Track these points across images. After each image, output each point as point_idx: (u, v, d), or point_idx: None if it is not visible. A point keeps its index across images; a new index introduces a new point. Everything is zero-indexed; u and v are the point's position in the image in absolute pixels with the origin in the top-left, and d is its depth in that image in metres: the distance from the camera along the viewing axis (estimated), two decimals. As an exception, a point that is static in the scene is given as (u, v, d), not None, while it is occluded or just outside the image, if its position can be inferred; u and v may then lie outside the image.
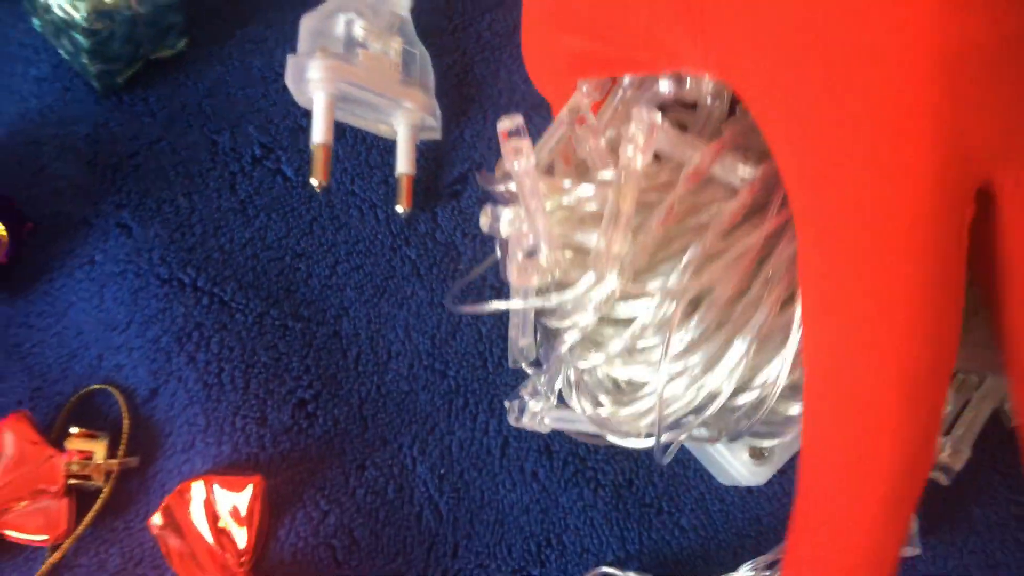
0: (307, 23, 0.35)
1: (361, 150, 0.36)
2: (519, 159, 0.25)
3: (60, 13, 0.32)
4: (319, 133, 0.33)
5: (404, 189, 0.34)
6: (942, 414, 0.21)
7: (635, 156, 0.23)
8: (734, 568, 0.31)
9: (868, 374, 0.20)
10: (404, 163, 0.35)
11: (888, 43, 0.19)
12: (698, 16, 0.23)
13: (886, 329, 0.20)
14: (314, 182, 0.33)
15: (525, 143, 0.25)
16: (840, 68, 0.20)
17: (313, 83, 0.33)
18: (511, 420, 0.29)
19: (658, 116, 0.23)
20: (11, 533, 0.30)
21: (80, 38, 0.33)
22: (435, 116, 0.35)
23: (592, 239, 0.24)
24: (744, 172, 0.24)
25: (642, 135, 0.23)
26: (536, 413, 0.29)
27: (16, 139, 0.35)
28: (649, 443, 0.26)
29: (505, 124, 0.25)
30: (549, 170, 0.27)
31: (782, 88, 0.21)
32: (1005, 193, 0.20)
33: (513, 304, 0.26)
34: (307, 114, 0.35)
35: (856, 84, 0.20)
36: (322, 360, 0.33)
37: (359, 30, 0.35)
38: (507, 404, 0.29)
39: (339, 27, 0.35)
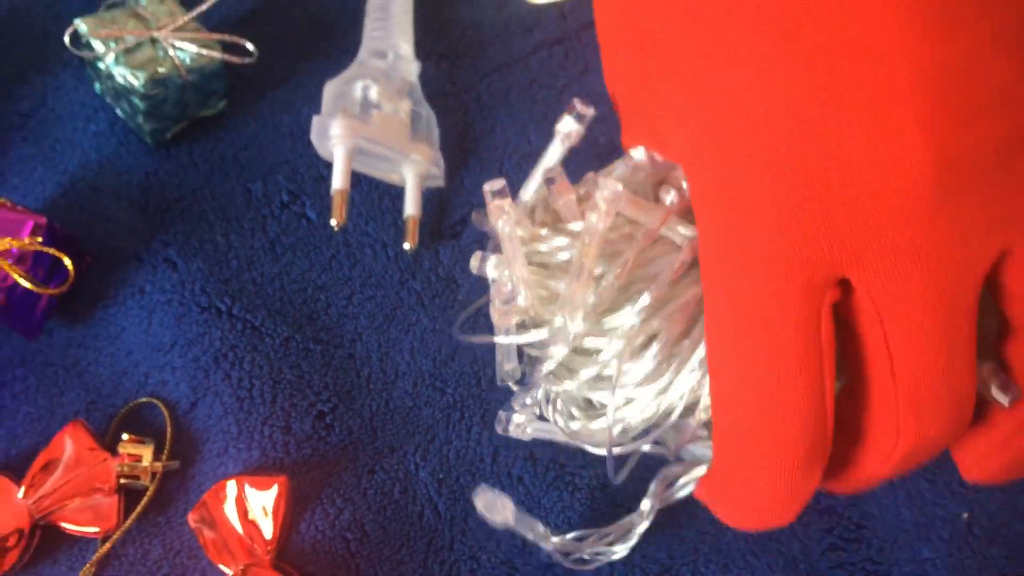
0: (330, 88, 0.40)
1: (374, 196, 0.41)
2: (502, 218, 0.30)
3: (121, 81, 0.38)
4: (338, 181, 0.38)
5: (411, 230, 0.40)
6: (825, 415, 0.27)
7: (598, 222, 0.28)
8: (693, 562, 0.36)
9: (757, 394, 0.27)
10: (411, 207, 0.40)
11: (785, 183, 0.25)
12: (653, 121, 0.29)
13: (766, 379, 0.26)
14: (333, 223, 0.38)
15: (507, 202, 0.30)
16: (734, 190, 0.26)
17: (334, 139, 0.39)
18: (498, 429, 0.33)
19: (619, 186, 0.28)
20: (67, 526, 0.35)
21: (137, 101, 0.38)
22: (439, 167, 0.41)
23: (562, 285, 0.30)
24: (686, 232, 0.29)
25: (605, 203, 0.28)
26: (520, 424, 0.34)
27: (78, 186, 0.40)
28: (616, 451, 0.31)
29: (490, 186, 0.30)
30: (533, 212, 0.32)
31: (704, 195, 0.27)
32: (861, 283, 0.26)
33: (498, 339, 0.31)
34: (329, 165, 0.41)
35: (743, 210, 0.25)
36: (339, 378, 0.38)
37: (374, 94, 0.40)
38: (499, 414, 0.34)
39: (357, 91, 0.40)
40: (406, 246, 0.39)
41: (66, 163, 0.41)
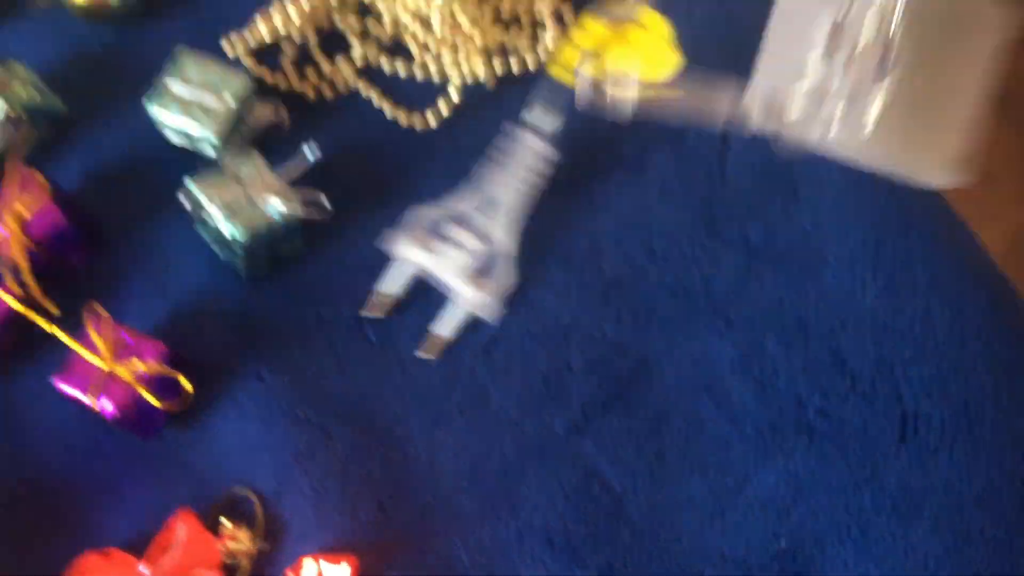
0: (418, 211, 0.50)
1: (422, 322, 0.50)
2: None
3: (225, 233, 0.47)
4: (385, 285, 0.48)
5: (434, 344, 0.49)
6: None
7: None
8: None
9: None
10: (444, 327, 0.49)
11: None
12: None
13: None
14: (368, 314, 0.47)
15: None
16: None
17: (395, 253, 0.48)
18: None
19: None
20: (178, 595, 0.44)
21: (238, 249, 0.48)
22: (488, 308, 0.50)
23: None
24: None
25: None
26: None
27: (182, 311, 0.50)
28: None
29: None
30: None
31: None
32: None
33: None
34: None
35: None
36: (394, 474, 0.47)
37: (449, 230, 0.50)
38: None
39: (434, 223, 0.50)
40: (422, 354, 0.48)
41: (175, 294, 0.50)
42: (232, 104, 0.50)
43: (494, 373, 0.49)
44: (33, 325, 0.47)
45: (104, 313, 0.46)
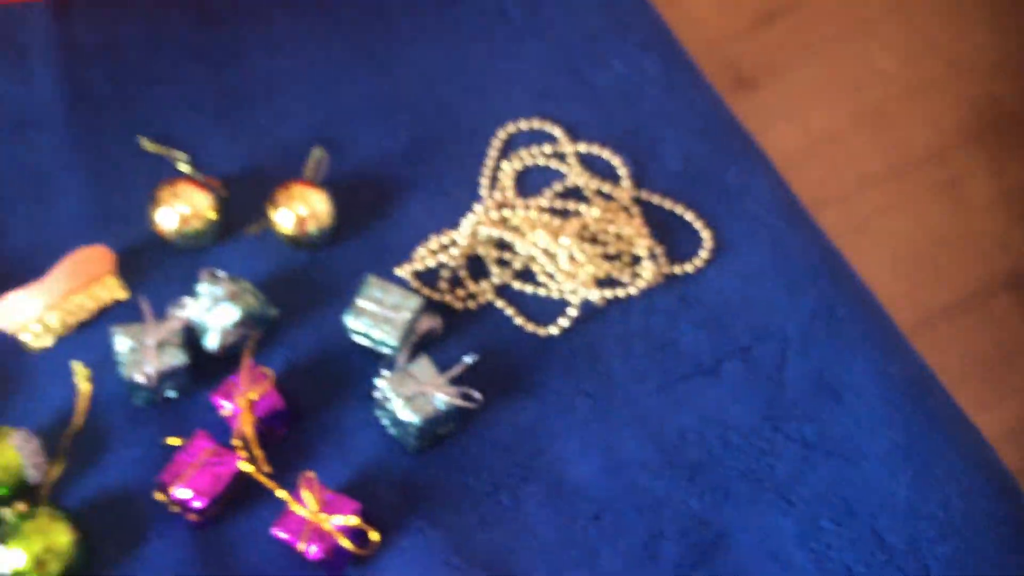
0: None
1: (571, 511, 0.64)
2: None
3: (403, 418, 0.62)
4: None
5: None
6: None
7: None
8: None
9: None
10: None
11: None
12: None
13: None
14: None
15: None
16: None
17: None
18: None
19: None
20: None
21: (413, 431, 0.62)
22: None
23: None
24: None
25: None
26: None
27: (359, 475, 0.64)
28: None
29: None
30: None
31: None
32: None
33: None
34: (522, 459, 0.64)
35: None
36: (527, 615, 0.60)
37: None
38: None
39: None
40: None
41: (354, 461, 0.64)
42: (408, 317, 0.66)
43: (603, 536, 0.63)
44: (248, 481, 0.62)
45: (314, 477, 0.60)
